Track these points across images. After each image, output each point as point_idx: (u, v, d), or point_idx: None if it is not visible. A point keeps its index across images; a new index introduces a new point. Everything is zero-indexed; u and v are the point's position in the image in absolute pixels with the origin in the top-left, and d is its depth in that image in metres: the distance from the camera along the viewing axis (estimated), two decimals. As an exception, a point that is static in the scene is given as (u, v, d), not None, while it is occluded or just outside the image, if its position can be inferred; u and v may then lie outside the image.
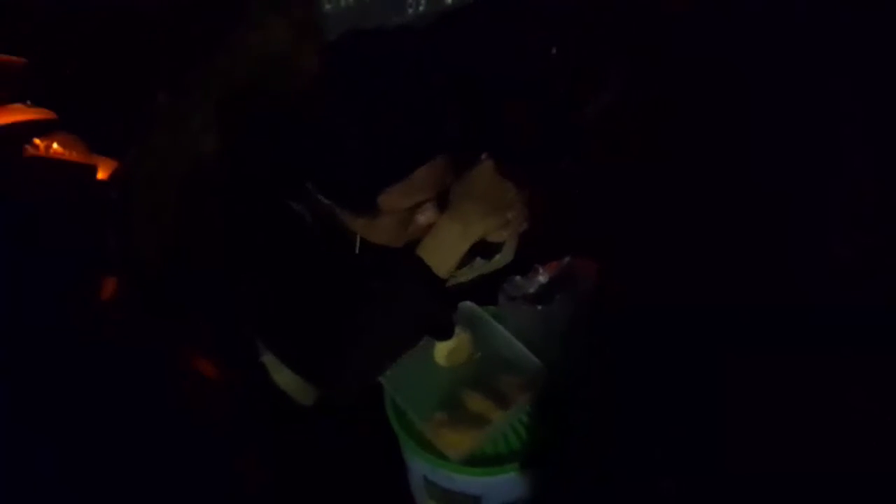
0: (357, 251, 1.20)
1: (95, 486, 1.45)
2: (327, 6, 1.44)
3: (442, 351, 1.27)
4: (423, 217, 1.17)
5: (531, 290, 1.17)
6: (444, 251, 1.14)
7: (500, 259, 1.36)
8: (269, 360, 1.24)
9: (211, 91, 1.27)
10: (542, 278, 1.17)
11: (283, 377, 1.25)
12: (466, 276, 1.39)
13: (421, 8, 1.45)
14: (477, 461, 1.18)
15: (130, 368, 1.50)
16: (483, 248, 1.34)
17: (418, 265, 1.13)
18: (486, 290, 1.40)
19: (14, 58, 1.56)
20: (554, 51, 1.52)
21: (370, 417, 1.31)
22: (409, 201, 1.12)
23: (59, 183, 1.32)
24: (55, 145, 1.30)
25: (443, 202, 1.19)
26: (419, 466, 1.23)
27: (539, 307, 1.15)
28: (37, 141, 1.28)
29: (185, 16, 1.58)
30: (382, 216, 1.11)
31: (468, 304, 1.31)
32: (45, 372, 1.47)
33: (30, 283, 1.49)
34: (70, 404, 1.47)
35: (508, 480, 1.20)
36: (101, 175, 1.42)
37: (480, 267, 1.38)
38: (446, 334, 1.25)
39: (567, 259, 1.19)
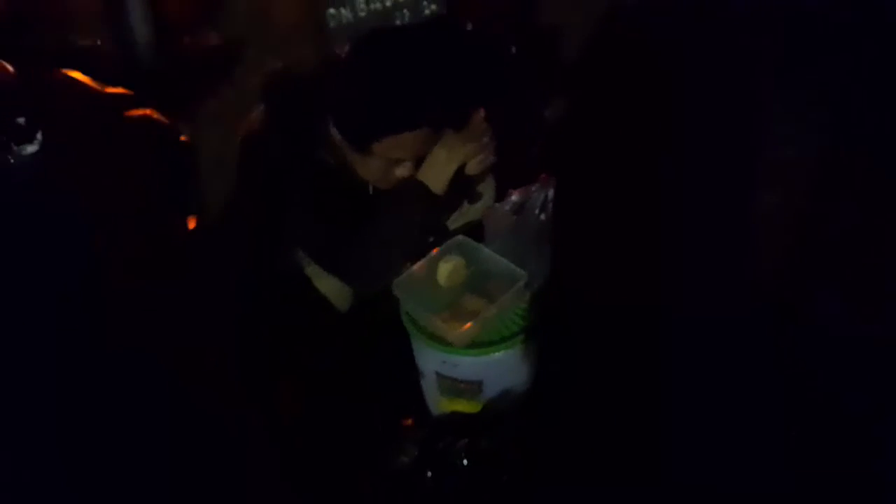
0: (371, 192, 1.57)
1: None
2: (332, 23, 1.82)
3: (443, 273, 1.60)
4: (400, 171, 1.54)
5: (507, 209, 1.51)
6: (436, 172, 1.50)
7: (483, 204, 1.72)
8: (312, 270, 1.57)
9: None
10: (515, 198, 1.51)
11: (324, 283, 1.59)
12: (457, 222, 1.74)
13: (406, 20, 1.84)
14: (477, 346, 1.50)
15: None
16: (469, 195, 1.71)
17: (418, 184, 1.48)
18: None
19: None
20: (513, 49, 1.91)
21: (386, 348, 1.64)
22: (394, 153, 1.51)
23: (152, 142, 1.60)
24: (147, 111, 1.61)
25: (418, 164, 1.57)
26: (430, 362, 1.55)
27: (514, 216, 1.50)
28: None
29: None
30: (373, 158, 1.50)
31: (461, 237, 1.65)
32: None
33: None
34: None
35: (504, 363, 1.52)
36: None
37: (468, 213, 1.73)
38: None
39: (535, 185, 1.53)
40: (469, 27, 1.86)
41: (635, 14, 2.01)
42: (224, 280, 1.68)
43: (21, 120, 1.25)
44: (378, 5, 1.76)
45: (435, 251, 1.58)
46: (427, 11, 1.84)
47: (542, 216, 1.50)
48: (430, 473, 1.55)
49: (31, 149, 1.26)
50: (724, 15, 1.93)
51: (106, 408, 1.56)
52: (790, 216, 1.77)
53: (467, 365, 1.51)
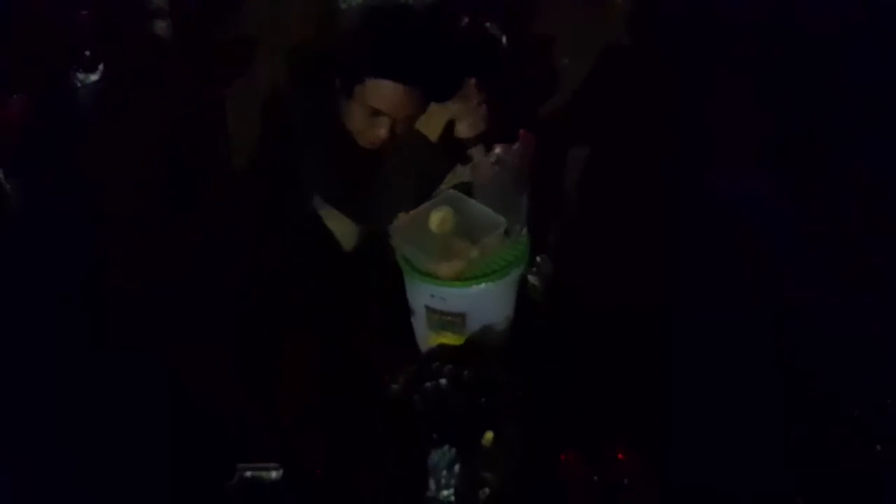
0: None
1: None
2: (343, 5, 2.06)
3: (434, 221, 1.81)
4: (379, 126, 1.76)
5: (491, 161, 1.74)
6: (431, 122, 1.74)
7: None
8: (324, 212, 1.79)
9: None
10: (498, 151, 1.73)
11: (334, 223, 1.80)
12: (450, 182, 1.96)
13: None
14: (462, 280, 1.71)
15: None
16: (462, 158, 1.93)
17: (416, 133, 1.71)
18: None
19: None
20: (504, 39, 2.14)
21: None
22: (373, 101, 1.74)
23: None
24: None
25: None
26: (420, 296, 1.75)
27: (497, 168, 1.72)
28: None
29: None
30: (357, 106, 1.73)
31: (451, 190, 1.86)
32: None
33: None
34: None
35: (486, 295, 1.72)
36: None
37: (461, 175, 1.95)
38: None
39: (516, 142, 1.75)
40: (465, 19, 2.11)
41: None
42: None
43: (87, 53, 1.46)
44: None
45: (427, 202, 1.80)
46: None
47: (521, 169, 1.72)
48: (417, 398, 1.75)
49: (93, 77, 1.47)
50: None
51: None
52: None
53: (453, 297, 1.72)
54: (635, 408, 1.55)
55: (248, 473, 1.41)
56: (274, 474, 1.43)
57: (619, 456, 1.44)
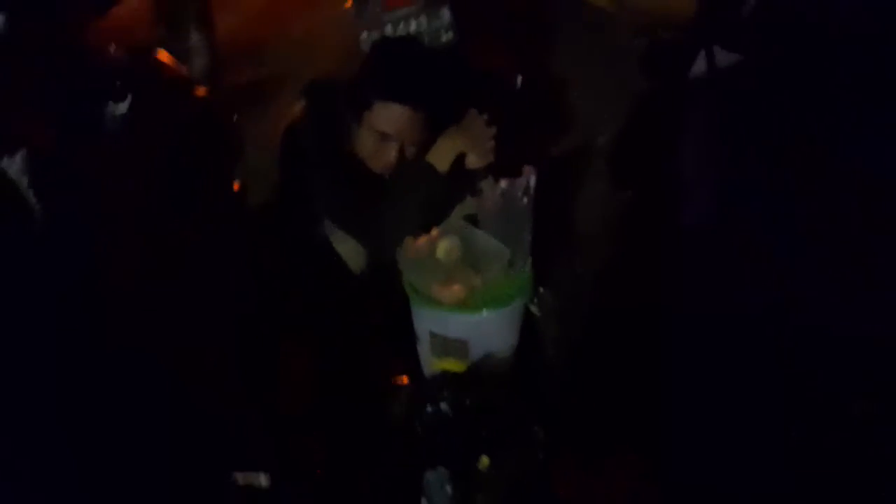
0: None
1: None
2: (364, 46, 2.17)
3: (441, 249, 1.88)
4: (388, 149, 1.84)
5: (497, 194, 1.81)
6: (440, 155, 1.81)
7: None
8: (335, 236, 1.86)
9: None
10: (503, 185, 1.81)
11: (344, 247, 1.87)
12: (460, 213, 2.03)
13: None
14: (465, 308, 1.76)
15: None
16: (471, 189, 2.00)
17: (427, 165, 1.79)
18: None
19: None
20: (520, 80, 2.23)
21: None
22: (381, 125, 1.81)
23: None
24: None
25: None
26: (426, 320, 1.81)
27: (502, 201, 1.79)
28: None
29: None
30: (365, 130, 1.81)
31: (459, 220, 1.93)
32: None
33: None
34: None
35: (488, 324, 1.77)
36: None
37: (469, 205, 2.02)
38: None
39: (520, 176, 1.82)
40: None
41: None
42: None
43: (118, 83, 1.56)
44: (403, 31, 2.12)
45: (435, 231, 1.87)
46: (444, 39, 2.18)
47: (525, 201, 1.79)
48: (417, 420, 1.80)
49: (122, 107, 1.56)
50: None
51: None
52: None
53: (457, 323, 1.78)
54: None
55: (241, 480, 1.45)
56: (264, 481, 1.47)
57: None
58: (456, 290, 1.75)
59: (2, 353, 1.51)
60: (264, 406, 1.72)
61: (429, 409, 1.77)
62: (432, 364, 1.87)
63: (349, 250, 1.89)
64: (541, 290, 1.92)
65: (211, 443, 1.62)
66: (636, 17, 2.04)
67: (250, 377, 1.75)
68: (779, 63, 1.60)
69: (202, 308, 1.64)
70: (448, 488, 1.57)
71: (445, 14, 2.27)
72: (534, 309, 1.90)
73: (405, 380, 1.90)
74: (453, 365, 1.84)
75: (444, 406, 1.77)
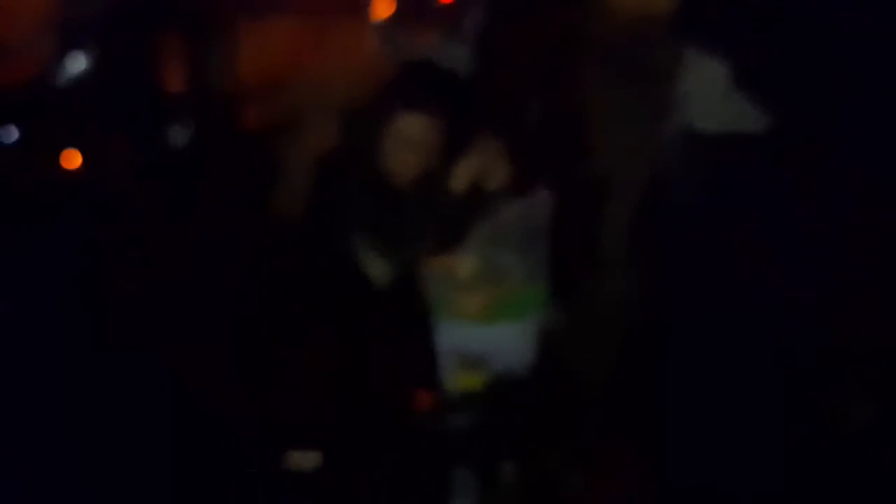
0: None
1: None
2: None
3: (461, 264, 1.93)
4: (410, 166, 1.88)
5: (516, 211, 1.88)
6: (460, 176, 1.90)
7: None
8: (360, 249, 1.93)
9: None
10: (522, 202, 1.88)
11: (369, 262, 1.93)
12: (480, 230, 2.08)
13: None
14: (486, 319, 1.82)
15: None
16: (489, 209, 2.06)
17: (446, 182, 1.87)
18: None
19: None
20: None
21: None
22: (405, 135, 1.86)
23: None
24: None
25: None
26: (449, 334, 1.87)
27: (520, 218, 1.86)
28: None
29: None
30: (387, 141, 1.86)
31: (478, 235, 1.98)
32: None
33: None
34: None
35: (506, 337, 1.83)
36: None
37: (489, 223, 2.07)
38: None
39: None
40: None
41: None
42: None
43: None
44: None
45: (457, 247, 1.94)
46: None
47: (542, 219, 1.86)
48: (439, 432, 1.84)
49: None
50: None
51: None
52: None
53: (476, 337, 1.85)
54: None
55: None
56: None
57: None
58: (474, 303, 1.82)
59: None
60: (279, 412, 1.75)
61: (449, 419, 1.83)
62: (452, 376, 1.92)
63: (372, 264, 1.96)
64: (557, 305, 1.97)
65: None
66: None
67: (255, 380, 1.76)
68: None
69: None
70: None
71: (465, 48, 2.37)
72: (550, 324, 1.95)
73: (426, 392, 1.95)
74: (473, 377, 1.89)
75: (464, 417, 1.83)
